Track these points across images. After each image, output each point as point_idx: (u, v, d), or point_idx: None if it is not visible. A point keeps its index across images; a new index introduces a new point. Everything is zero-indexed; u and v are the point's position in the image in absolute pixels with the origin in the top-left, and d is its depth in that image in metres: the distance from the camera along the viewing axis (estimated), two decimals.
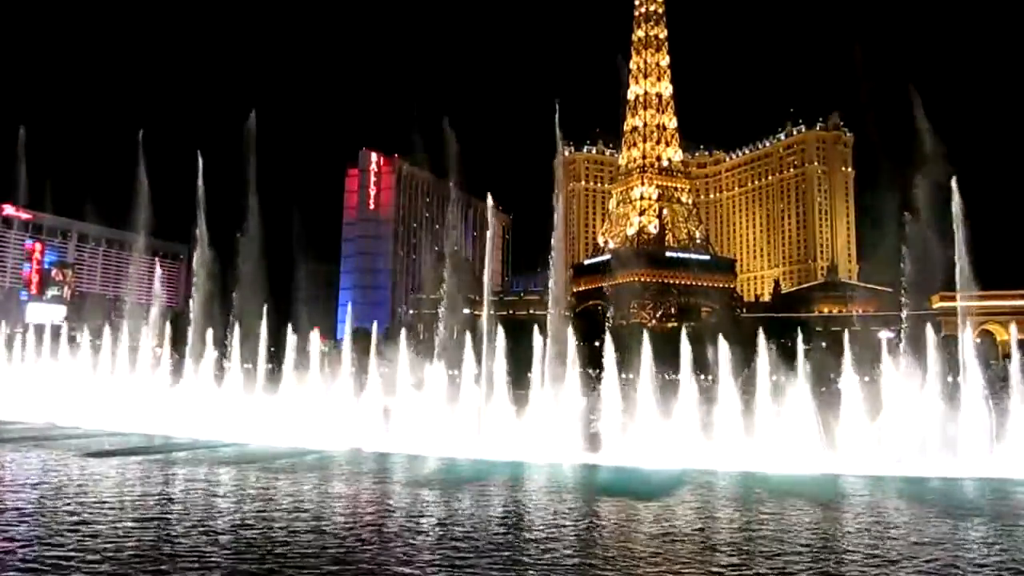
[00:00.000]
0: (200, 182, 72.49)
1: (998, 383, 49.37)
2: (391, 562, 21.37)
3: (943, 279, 53.63)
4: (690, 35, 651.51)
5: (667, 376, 56.02)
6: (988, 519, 29.30)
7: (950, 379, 49.31)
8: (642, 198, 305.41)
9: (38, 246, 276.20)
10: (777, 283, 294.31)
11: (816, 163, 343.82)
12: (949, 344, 54.47)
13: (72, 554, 21.21)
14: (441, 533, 25.07)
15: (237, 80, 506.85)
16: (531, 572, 20.63)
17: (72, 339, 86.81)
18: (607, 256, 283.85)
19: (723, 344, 46.44)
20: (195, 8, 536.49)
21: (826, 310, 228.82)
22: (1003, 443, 42.47)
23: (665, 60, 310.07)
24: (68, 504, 28.43)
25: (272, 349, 65.12)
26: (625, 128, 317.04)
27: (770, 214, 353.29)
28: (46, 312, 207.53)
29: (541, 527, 26.33)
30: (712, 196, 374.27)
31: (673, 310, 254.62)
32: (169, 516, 27.02)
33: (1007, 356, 62.22)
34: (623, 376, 50.57)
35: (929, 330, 47.51)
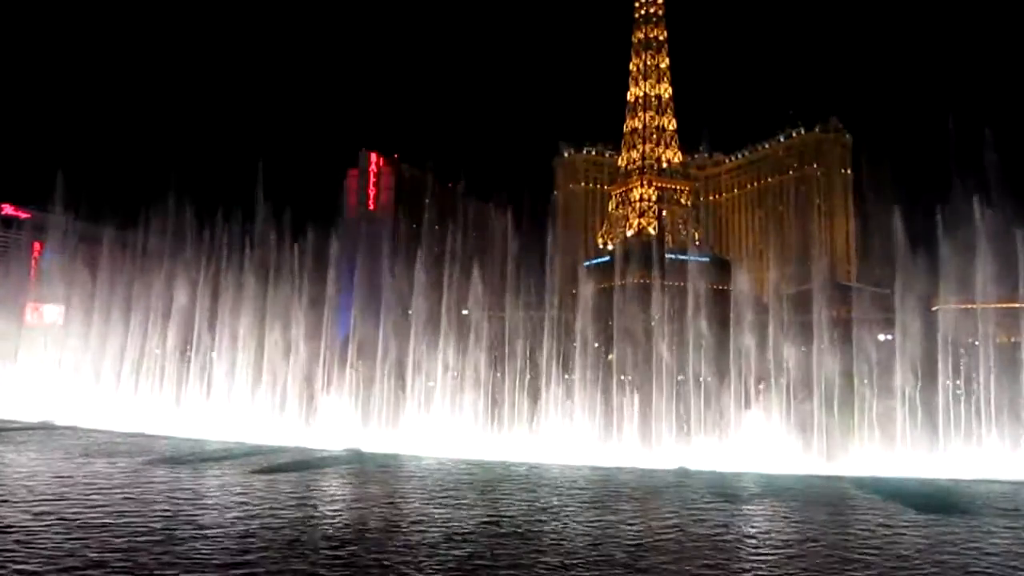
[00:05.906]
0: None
1: None
2: None
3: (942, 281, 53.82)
4: (690, 37, 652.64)
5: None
6: None
7: None
8: (641, 200, 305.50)
9: (37, 245, 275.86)
10: (776, 284, 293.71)
11: (815, 165, 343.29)
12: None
13: None
14: None
15: (236, 80, 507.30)
16: None
17: (71, 338, 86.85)
18: (606, 258, 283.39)
19: None
20: (197, 7, 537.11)
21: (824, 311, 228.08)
22: None
23: (665, 62, 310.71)
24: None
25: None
26: (625, 129, 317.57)
27: (769, 216, 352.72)
28: (45, 311, 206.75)
29: None
30: (712, 198, 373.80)
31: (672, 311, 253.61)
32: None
33: None
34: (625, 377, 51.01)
35: None
